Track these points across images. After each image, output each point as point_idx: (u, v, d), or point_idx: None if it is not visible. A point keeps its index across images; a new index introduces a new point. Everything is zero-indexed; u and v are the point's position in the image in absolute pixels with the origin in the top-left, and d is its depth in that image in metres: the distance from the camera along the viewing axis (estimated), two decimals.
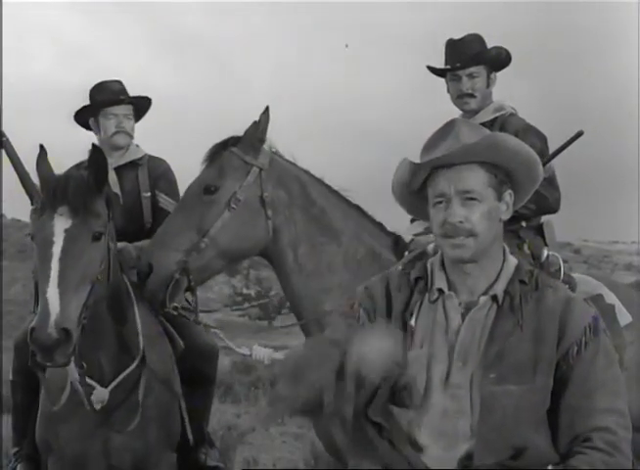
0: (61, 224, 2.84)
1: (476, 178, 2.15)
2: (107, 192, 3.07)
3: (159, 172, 3.91)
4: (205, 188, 3.38)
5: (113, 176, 3.76)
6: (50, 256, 2.78)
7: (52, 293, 2.68)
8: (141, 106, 3.96)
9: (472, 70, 3.61)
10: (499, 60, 3.69)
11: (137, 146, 3.98)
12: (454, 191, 2.14)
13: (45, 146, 3.06)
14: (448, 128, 2.22)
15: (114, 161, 3.83)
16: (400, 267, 2.38)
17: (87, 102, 3.92)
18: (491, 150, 2.14)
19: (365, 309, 2.28)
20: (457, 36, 3.73)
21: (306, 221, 3.48)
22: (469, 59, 3.60)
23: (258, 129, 3.46)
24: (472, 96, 3.64)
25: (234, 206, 3.36)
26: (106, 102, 3.83)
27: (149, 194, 3.86)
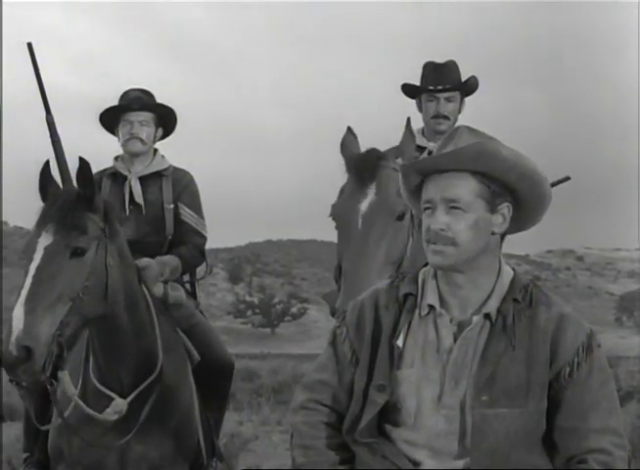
0: (43, 241, 2.82)
1: (464, 187, 2.09)
2: (103, 206, 3.01)
3: (182, 184, 3.86)
4: (399, 216, 3.11)
5: (137, 186, 3.78)
6: (27, 273, 2.78)
7: (17, 311, 2.67)
8: (162, 114, 3.87)
9: (451, 93, 3.81)
10: (473, 89, 3.94)
11: (162, 156, 3.93)
12: (440, 198, 2.09)
13: (50, 158, 3.04)
14: (452, 135, 2.17)
15: (138, 170, 3.82)
16: (389, 281, 2.30)
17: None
18: (480, 158, 2.07)
19: (347, 325, 2.24)
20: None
21: None
22: (456, 83, 3.82)
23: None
24: (447, 118, 3.85)
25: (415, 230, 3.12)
26: (119, 108, 3.81)
27: (172, 206, 3.81)
